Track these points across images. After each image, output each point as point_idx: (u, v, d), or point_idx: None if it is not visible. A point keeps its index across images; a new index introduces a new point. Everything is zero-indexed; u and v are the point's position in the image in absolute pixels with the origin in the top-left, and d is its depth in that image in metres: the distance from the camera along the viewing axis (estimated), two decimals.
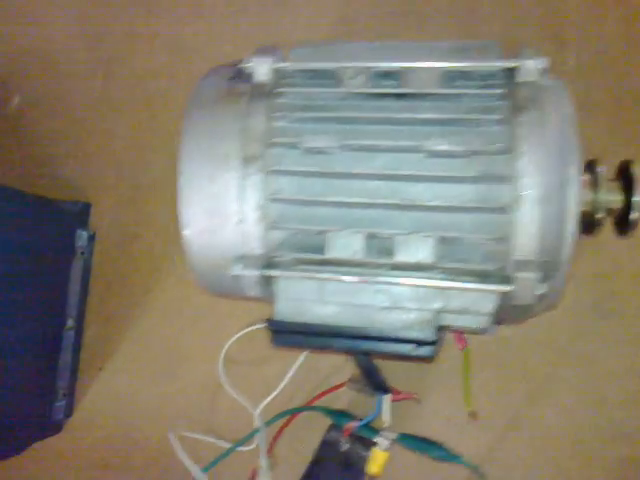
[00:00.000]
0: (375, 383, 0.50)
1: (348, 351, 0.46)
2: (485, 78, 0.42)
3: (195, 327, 0.66)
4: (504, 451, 0.57)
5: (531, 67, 0.41)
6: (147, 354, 0.66)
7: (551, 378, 0.57)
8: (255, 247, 0.43)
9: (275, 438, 0.60)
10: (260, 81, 0.44)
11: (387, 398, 0.51)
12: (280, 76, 0.44)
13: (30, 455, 0.64)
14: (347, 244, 0.41)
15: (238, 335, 0.63)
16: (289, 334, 0.45)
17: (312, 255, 0.42)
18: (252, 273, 0.43)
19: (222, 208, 0.43)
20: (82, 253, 0.66)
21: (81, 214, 0.67)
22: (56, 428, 0.65)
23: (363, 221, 0.41)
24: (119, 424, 0.65)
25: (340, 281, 0.42)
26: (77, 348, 0.66)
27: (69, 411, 0.65)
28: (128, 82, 0.70)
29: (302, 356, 0.58)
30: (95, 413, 0.66)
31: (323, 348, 0.44)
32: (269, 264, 0.43)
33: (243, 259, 0.43)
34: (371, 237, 0.41)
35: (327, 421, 0.59)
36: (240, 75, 0.45)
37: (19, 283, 0.56)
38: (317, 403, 0.59)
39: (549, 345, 0.58)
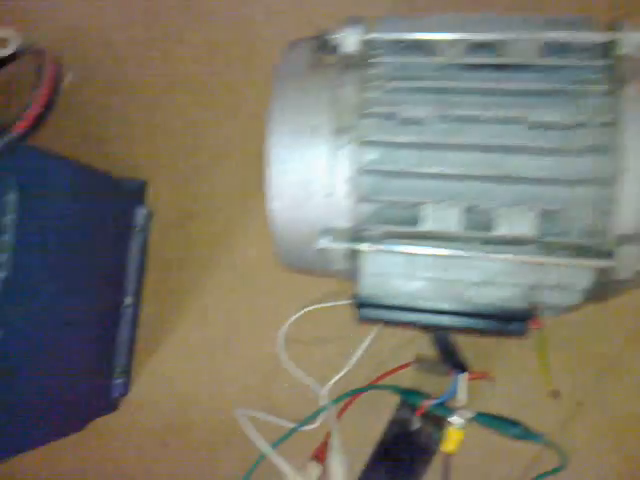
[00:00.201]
0: (453, 361, 0.50)
1: (435, 327, 0.46)
2: (584, 51, 0.41)
3: (254, 307, 0.65)
4: (571, 432, 0.57)
5: (633, 40, 0.40)
6: (205, 333, 0.65)
7: (621, 360, 0.57)
8: (343, 220, 0.43)
9: (337, 417, 0.60)
10: (349, 52, 0.43)
11: (464, 377, 0.50)
12: (370, 47, 0.43)
13: (86, 433, 0.64)
14: (443, 217, 0.40)
15: (297, 315, 0.63)
16: (375, 309, 0.44)
17: (404, 228, 0.42)
18: (339, 246, 0.43)
19: (311, 181, 0.42)
20: (140, 231, 0.65)
21: (138, 192, 0.66)
22: (112, 406, 0.65)
23: (460, 194, 0.41)
24: (175, 403, 0.65)
25: (432, 255, 0.42)
26: (134, 326, 0.65)
27: (125, 389, 0.65)
28: (185, 59, 0.69)
29: (372, 334, 0.58)
30: (151, 392, 0.65)
31: (409, 324, 0.44)
32: (357, 237, 0.43)
33: (330, 232, 0.43)
34: (468, 210, 0.40)
35: (389, 400, 0.59)
36: (325, 47, 0.45)
37: (82, 257, 0.56)
38: (381, 383, 0.58)
39: (620, 325, 0.57)
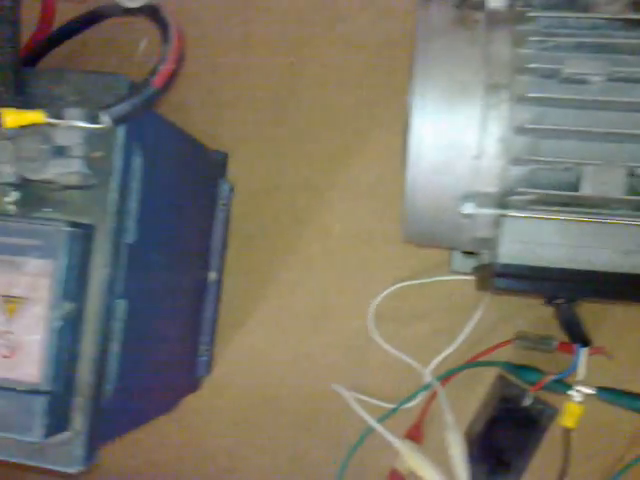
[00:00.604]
0: (577, 335, 0.48)
1: (581, 297, 0.44)
2: None
3: (340, 283, 0.63)
4: None
5: None
6: (289, 310, 0.63)
7: None
8: (491, 184, 0.41)
9: (433, 396, 0.58)
10: (496, 8, 0.41)
11: (586, 351, 0.49)
12: (518, 3, 0.41)
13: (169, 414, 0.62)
14: (604, 180, 0.39)
15: (389, 290, 0.61)
16: (514, 278, 0.42)
17: (559, 192, 0.40)
18: (486, 212, 0.41)
19: (458, 141, 0.40)
20: (223, 204, 0.63)
21: (221, 164, 0.64)
22: (196, 385, 0.63)
23: (621, 156, 0.39)
24: (260, 381, 0.63)
25: (588, 222, 0.40)
26: (217, 303, 0.63)
27: (209, 368, 0.63)
28: (268, 26, 0.66)
29: (479, 311, 0.56)
30: (235, 370, 0.63)
31: (551, 293, 0.42)
32: (504, 203, 0.41)
33: (475, 197, 0.41)
34: (630, 174, 0.39)
35: (484, 378, 0.58)
36: (468, 3, 0.43)
37: (180, 228, 0.54)
38: (482, 360, 0.57)
39: None
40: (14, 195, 0.40)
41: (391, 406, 0.59)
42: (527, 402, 0.53)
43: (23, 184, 0.40)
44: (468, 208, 0.41)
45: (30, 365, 0.37)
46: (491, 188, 0.41)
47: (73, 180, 0.38)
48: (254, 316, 0.64)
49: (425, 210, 0.43)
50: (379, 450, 0.58)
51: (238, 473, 0.63)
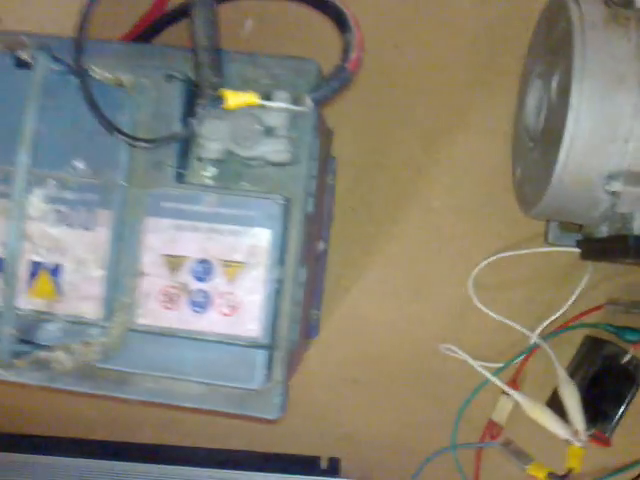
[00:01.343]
0: None
1: None
2: None
3: (441, 255, 0.68)
4: None
5: None
6: (391, 279, 0.68)
7: None
8: (638, 165, 0.46)
9: (527, 358, 0.64)
10: None
11: None
12: None
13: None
14: None
15: (487, 261, 0.66)
16: None
17: None
18: (632, 190, 0.46)
19: (612, 125, 0.45)
20: (331, 178, 0.67)
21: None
22: (307, 347, 0.67)
23: None
24: (364, 344, 0.68)
25: None
26: (324, 272, 0.68)
27: (316, 332, 0.67)
28: (375, 8, 0.70)
29: (585, 279, 0.62)
30: (340, 334, 0.68)
31: None
32: None
33: (623, 176, 0.46)
34: None
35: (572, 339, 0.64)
36: (614, 1, 0.47)
37: (318, 199, 0.58)
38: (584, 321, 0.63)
39: None
40: (212, 170, 0.44)
41: (492, 365, 0.64)
42: (626, 359, 0.59)
43: (220, 160, 0.43)
44: (615, 186, 0.46)
45: (250, 322, 0.41)
46: (638, 168, 0.46)
47: (279, 158, 0.42)
48: (358, 284, 0.68)
49: (570, 187, 0.48)
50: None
51: (347, 429, 0.68)
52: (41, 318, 0.42)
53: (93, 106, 0.41)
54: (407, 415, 0.67)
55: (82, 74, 0.41)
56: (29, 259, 0.42)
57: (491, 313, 0.65)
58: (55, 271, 0.42)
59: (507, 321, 0.65)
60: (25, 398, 0.72)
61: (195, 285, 0.41)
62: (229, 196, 0.42)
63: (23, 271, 0.42)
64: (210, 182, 0.44)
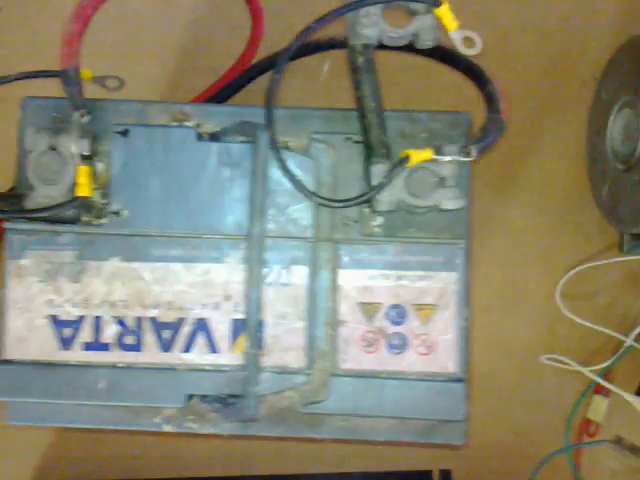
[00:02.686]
0: None
1: None
2: None
3: (527, 270, 0.73)
4: None
5: None
6: (484, 297, 0.73)
7: None
8: None
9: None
10: None
11: None
12: None
13: None
14: None
15: (571, 273, 0.72)
16: None
17: None
18: None
19: None
20: None
21: None
22: None
23: None
24: None
25: None
26: None
27: None
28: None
29: None
30: None
31: None
32: None
33: None
34: None
35: None
36: None
37: None
38: None
39: None
40: (380, 220, 0.48)
41: (591, 368, 0.70)
42: None
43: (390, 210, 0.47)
44: None
45: (447, 359, 0.45)
46: None
47: (454, 205, 0.46)
48: None
49: None
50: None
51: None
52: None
53: (288, 173, 0.44)
54: (512, 424, 0.72)
55: (275, 145, 0.44)
56: (231, 318, 0.45)
57: (581, 321, 0.71)
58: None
59: (597, 327, 0.70)
60: (135, 444, 0.74)
61: (392, 329, 0.45)
62: (414, 244, 0.46)
63: (226, 330, 0.45)
64: (379, 230, 0.47)
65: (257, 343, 0.38)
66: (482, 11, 0.76)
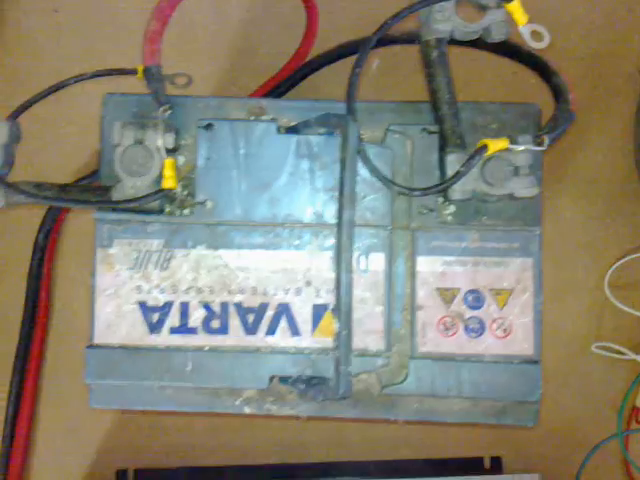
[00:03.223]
0: None
1: None
2: None
3: (576, 261, 0.75)
4: None
5: None
6: None
7: None
8: None
9: None
10: None
11: None
12: None
13: None
14: None
15: (619, 263, 0.73)
16: None
17: None
18: None
19: None
20: None
21: None
22: None
23: None
24: None
25: None
26: None
27: None
28: None
29: None
30: None
31: None
32: None
33: None
34: None
35: None
36: None
37: None
38: None
39: None
40: (452, 208, 0.50)
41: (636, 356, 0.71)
42: None
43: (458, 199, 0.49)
44: None
45: (524, 342, 0.47)
46: None
47: (529, 193, 0.48)
48: None
49: None
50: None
51: (505, 430, 0.74)
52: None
53: (369, 163, 0.46)
54: (562, 412, 0.74)
55: (358, 138, 0.45)
56: (312, 303, 0.47)
57: (629, 310, 0.72)
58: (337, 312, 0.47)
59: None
60: (191, 433, 0.76)
61: (469, 313, 0.47)
62: (490, 231, 0.47)
63: (308, 314, 0.47)
64: (452, 219, 0.49)
65: (349, 324, 0.40)
66: (527, 7, 0.77)
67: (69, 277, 0.68)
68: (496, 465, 0.73)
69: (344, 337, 0.40)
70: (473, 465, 0.74)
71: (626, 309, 0.72)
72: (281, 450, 0.76)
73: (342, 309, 0.40)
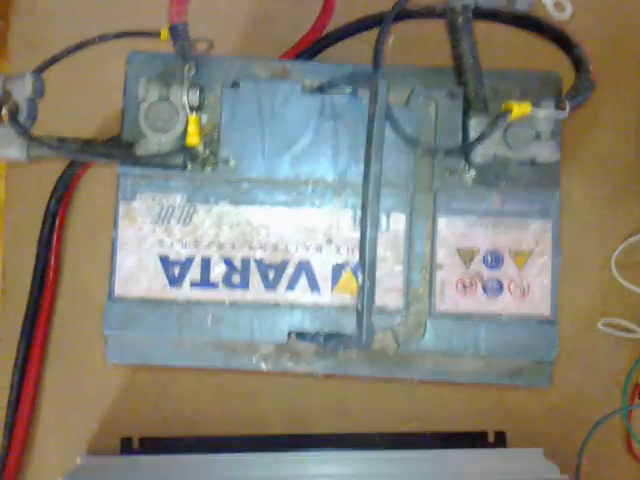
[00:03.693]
0: None
1: None
2: None
3: (584, 240, 0.75)
4: None
5: None
6: None
7: None
8: None
9: None
10: None
11: None
12: None
13: None
14: None
15: (627, 242, 0.74)
16: None
17: None
18: None
19: None
20: None
21: None
22: None
23: None
24: None
25: None
26: None
27: None
28: None
29: None
30: None
31: None
32: None
33: None
34: None
35: None
36: None
37: None
38: None
39: None
40: (473, 172, 0.50)
41: None
42: None
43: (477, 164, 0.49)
44: None
45: (541, 303, 0.47)
46: None
47: (550, 158, 0.48)
48: None
49: None
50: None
51: (509, 405, 0.75)
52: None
53: (395, 122, 0.46)
54: (568, 388, 0.74)
55: (384, 100, 0.46)
56: (333, 261, 0.48)
57: (636, 289, 0.73)
58: (357, 269, 0.48)
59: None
60: (197, 400, 0.76)
61: (488, 273, 0.47)
62: (511, 194, 0.48)
63: (328, 272, 0.48)
64: (473, 182, 0.50)
65: (373, 276, 0.41)
66: None
67: (79, 244, 0.68)
68: (500, 439, 0.74)
69: (368, 288, 0.40)
70: (477, 439, 0.75)
71: (633, 288, 0.73)
72: (286, 421, 0.77)
73: (366, 260, 0.40)
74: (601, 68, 0.76)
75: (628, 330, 0.72)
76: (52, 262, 0.65)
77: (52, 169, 0.63)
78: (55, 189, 0.64)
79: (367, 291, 0.40)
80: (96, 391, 0.71)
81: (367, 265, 0.40)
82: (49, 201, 0.64)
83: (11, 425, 0.62)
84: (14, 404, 0.63)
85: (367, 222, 0.40)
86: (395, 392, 0.67)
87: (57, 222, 0.65)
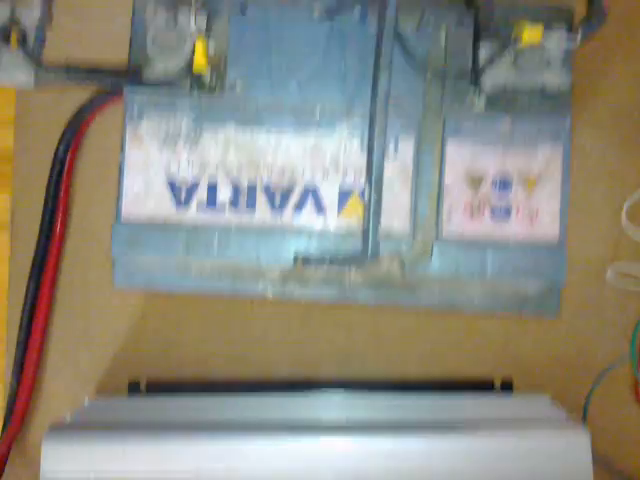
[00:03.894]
0: None
1: None
2: None
3: (595, 190, 0.75)
4: None
5: None
6: None
7: None
8: None
9: None
10: None
11: None
12: None
13: None
14: None
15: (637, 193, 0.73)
16: None
17: None
18: None
19: None
20: None
21: None
22: None
23: None
24: None
25: None
26: None
27: None
28: None
29: None
30: None
31: None
32: None
33: None
34: None
35: None
36: None
37: None
38: None
39: None
40: (483, 99, 0.50)
41: None
42: None
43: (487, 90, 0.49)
44: None
45: (549, 228, 0.47)
46: None
47: (561, 88, 0.48)
48: None
49: None
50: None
51: (515, 352, 0.75)
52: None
53: (404, 46, 0.46)
54: (575, 337, 0.74)
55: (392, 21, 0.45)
56: (339, 186, 0.47)
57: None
58: (364, 193, 0.47)
59: None
60: (205, 342, 0.76)
61: (496, 198, 0.47)
62: (521, 118, 0.47)
63: (335, 196, 0.47)
64: (480, 109, 0.49)
65: (379, 190, 0.40)
66: None
67: (88, 190, 0.68)
68: (506, 386, 0.74)
69: (374, 201, 0.40)
70: (484, 385, 0.75)
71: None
72: (293, 365, 0.77)
73: (373, 173, 0.40)
74: (616, 18, 0.75)
75: (637, 279, 0.71)
76: (60, 209, 0.65)
77: (61, 116, 0.63)
78: (63, 135, 0.64)
79: (374, 204, 0.40)
80: (104, 335, 0.72)
81: (373, 178, 0.40)
82: (57, 147, 0.64)
83: (20, 368, 0.63)
84: (22, 346, 0.63)
85: (374, 133, 0.40)
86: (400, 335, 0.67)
87: (65, 168, 0.65)
